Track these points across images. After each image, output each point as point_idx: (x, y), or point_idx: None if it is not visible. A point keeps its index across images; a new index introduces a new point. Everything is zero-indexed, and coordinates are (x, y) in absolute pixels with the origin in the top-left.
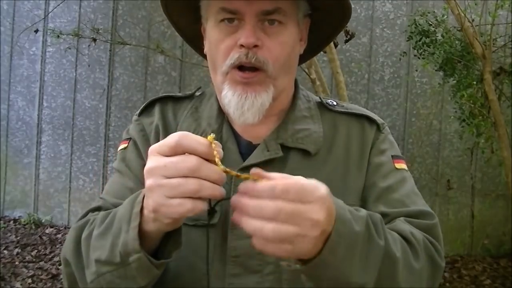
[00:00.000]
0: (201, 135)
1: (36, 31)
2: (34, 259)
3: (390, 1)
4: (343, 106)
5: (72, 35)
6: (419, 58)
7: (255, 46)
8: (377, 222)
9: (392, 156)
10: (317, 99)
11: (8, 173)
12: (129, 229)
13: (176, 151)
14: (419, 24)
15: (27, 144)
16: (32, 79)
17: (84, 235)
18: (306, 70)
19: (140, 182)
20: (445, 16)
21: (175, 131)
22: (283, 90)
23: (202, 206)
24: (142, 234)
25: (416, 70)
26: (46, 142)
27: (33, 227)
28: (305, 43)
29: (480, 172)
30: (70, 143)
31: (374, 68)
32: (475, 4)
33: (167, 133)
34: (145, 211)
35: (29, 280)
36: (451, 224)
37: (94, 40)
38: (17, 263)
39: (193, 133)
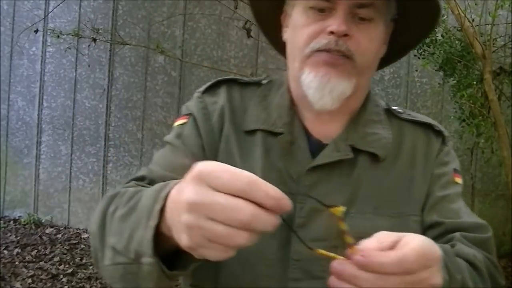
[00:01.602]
0: (271, 127)
1: (36, 31)
2: (34, 259)
3: None
4: (410, 114)
5: (72, 35)
6: (419, 58)
7: (345, 35)
8: (449, 253)
9: (453, 169)
10: (384, 105)
11: (8, 173)
12: (147, 226)
13: (233, 193)
14: None
15: (27, 144)
16: (32, 79)
17: (110, 209)
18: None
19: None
20: (445, 16)
21: (243, 117)
22: (360, 87)
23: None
24: (160, 232)
25: (416, 70)
26: (46, 142)
27: (33, 227)
28: (386, 48)
29: (480, 172)
30: (70, 143)
31: None
32: (475, 4)
33: (234, 116)
34: (167, 220)
35: (29, 280)
36: None
37: (94, 40)
38: (17, 263)
39: (263, 124)
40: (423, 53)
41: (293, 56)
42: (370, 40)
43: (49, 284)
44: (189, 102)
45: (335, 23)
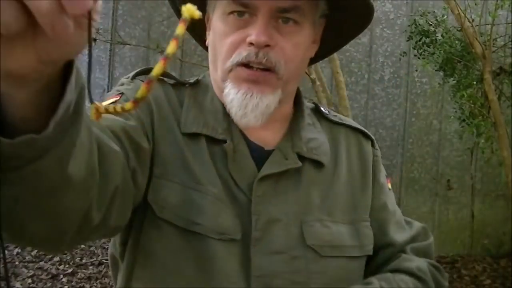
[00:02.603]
0: (212, 132)
1: None
2: (34, 259)
3: (390, 1)
4: (336, 116)
5: None
6: (419, 58)
7: (267, 45)
8: (389, 281)
9: (385, 175)
10: (311, 105)
11: None
12: None
13: None
14: (419, 24)
15: None
16: None
17: None
18: (306, 70)
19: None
20: (445, 16)
21: (172, 115)
22: (289, 94)
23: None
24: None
25: (416, 70)
26: None
27: None
28: (318, 45)
29: (480, 172)
30: None
31: (374, 68)
32: (475, 4)
33: (160, 112)
34: None
35: (29, 280)
36: (451, 224)
37: (94, 40)
38: (17, 263)
39: (203, 128)
40: (423, 53)
41: (215, 65)
42: (296, 46)
43: (49, 284)
44: (117, 87)
45: (254, 33)
